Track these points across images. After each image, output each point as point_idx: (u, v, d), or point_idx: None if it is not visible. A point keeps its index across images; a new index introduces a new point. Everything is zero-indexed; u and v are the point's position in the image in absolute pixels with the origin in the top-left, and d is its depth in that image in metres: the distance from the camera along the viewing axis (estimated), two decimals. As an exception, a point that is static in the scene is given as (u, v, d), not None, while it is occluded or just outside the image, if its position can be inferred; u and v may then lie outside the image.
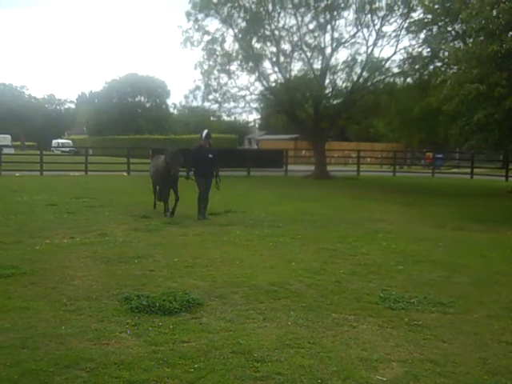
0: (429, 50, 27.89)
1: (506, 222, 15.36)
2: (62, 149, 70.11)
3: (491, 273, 9.20)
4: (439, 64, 26.73)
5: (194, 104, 35.21)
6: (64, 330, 5.94)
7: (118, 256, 9.64)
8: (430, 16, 27.04)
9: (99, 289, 7.52)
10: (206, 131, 15.19)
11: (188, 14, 31.95)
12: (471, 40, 18.48)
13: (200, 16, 31.96)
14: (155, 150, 38.33)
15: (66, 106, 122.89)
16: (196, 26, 32.17)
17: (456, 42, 25.36)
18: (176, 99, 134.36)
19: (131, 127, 79.18)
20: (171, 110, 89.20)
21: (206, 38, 32.32)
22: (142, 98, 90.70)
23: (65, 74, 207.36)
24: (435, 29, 27.25)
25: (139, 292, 7.24)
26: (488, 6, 15.96)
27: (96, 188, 22.91)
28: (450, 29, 26.36)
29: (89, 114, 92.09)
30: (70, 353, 5.33)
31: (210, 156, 14.75)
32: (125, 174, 33.20)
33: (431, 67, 27.86)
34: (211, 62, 32.62)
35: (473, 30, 16.81)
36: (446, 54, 22.87)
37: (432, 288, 8.05)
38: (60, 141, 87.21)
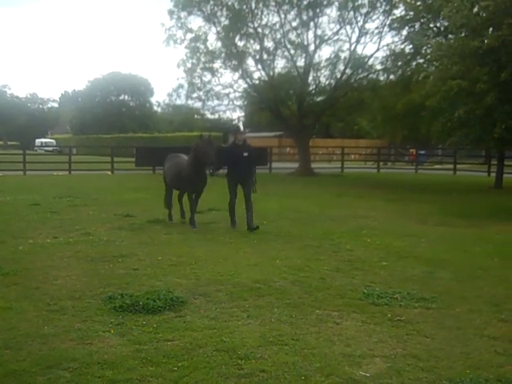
0: (411, 46, 27.98)
1: (489, 217, 15.49)
2: (46, 148, 69.77)
3: (474, 268, 9.27)
4: (421, 60, 26.86)
5: (178, 102, 35.28)
6: (47, 330, 5.91)
7: (102, 255, 9.60)
8: (411, 13, 27.11)
9: (82, 288, 7.49)
10: (240, 124, 13.56)
11: (171, 12, 31.90)
12: (453, 36, 18.63)
13: (183, 14, 31.95)
14: (139, 148, 38.44)
15: (49, 105, 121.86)
16: (179, 24, 32.15)
17: (438, 39, 25.48)
18: (160, 97, 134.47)
19: (115, 126, 78.88)
20: (155, 108, 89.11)
21: (189, 35, 32.34)
22: (126, 97, 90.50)
23: (47, 72, 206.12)
24: (417, 25, 27.35)
25: (123, 291, 7.22)
26: (468, 2, 16.08)
27: (80, 187, 22.81)
28: (431, 25, 26.49)
29: (72, 113, 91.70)
30: (53, 353, 5.31)
31: (246, 155, 12.63)
32: (109, 172, 33.10)
33: (414, 64, 28.00)
34: (194, 60, 32.58)
35: (454, 27, 16.95)
36: (429, 50, 22.97)
37: (415, 283, 8.10)
38: (43, 140, 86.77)
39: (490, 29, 15.57)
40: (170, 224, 13.39)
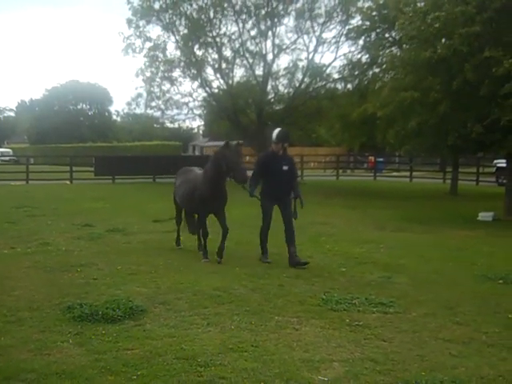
0: (367, 56, 28.52)
1: (444, 223, 15.84)
2: (2, 158, 68.39)
3: (429, 272, 9.50)
4: (377, 70, 27.35)
5: (137, 111, 35.06)
6: (4, 342, 5.83)
7: (61, 265, 9.51)
8: (368, 23, 27.67)
9: (41, 299, 7.40)
10: (279, 130, 10.37)
11: (129, 21, 31.77)
12: (407, 47, 19.03)
13: (141, 23, 31.84)
14: (98, 157, 38.12)
15: (5, 114, 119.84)
16: (137, 33, 32.01)
17: (393, 49, 26.01)
18: (119, 106, 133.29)
19: (74, 135, 77.82)
20: (114, 117, 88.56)
21: (148, 44, 32.23)
22: (84, 106, 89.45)
23: (3, 81, 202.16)
24: (373, 35, 27.90)
25: (82, 301, 7.15)
26: (420, 14, 16.47)
27: (38, 197, 22.45)
28: (387, 35, 27.03)
29: (29, 123, 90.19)
30: (11, 364, 5.24)
31: (286, 168, 10.06)
32: (68, 182, 32.67)
33: (370, 73, 28.49)
34: (153, 69, 32.49)
35: (407, 38, 17.34)
36: (384, 60, 23.41)
37: (373, 289, 8.25)
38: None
39: (443, 39, 15.94)
40: (176, 249, 11.55)
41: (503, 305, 7.49)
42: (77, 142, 71.88)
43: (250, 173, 10.27)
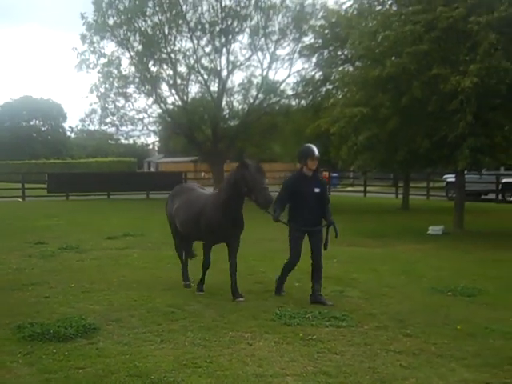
0: (321, 73, 28.94)
1: (396, 237, 16.10)
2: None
3: (381, 286, 9.66)
4: (330, 87, 27.76)
5: (91, 127, 34.71)
6: (-49, 364, 5.72)
7: (11, 284, 9.38)
8: (320, 41, 28.16)
9: (-10, 319, 7.27)
10: (311, 147, 8.78)
11: (83, 37, 31.60)
12: (358, 64, 19.43)
13: (95, 38, 31.69)
14: (51, 174, 37.58)
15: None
16: (92, 49, 31.84)
17: (346, 66, 26.49)
18: (73, 122, 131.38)
19: (26, 152, 76.48)
20: (68, 133, 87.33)
21: (103, 60, 32.07)
22: (37, 122, 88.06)
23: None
24: (326, 53, 28.38)
25: (33, 320, 7.06)
26: (370, 34, 16.87)
27: (-13, 215, 22.00)
28: (339, 53, 27.52)
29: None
30: (-41, 387, 5.15)
31: (317, 191, 8.78)
32: (20, 199, 32.13)
33: (323, 90, 28.89)
34: (108, 85, 32.27)
35: (357, 56, 17.70)
36: (337, 77, 23.81)
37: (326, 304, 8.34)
38: None
39: (393, 57, 16.32)
40: (185, 287, 9.62)
41: (452, 316, 7.67)
42: (29, 158, 70.67)
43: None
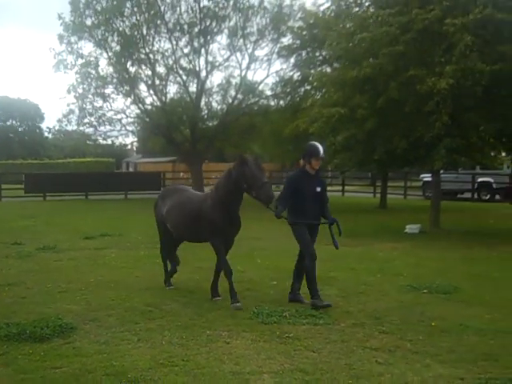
0: (299, 73, 29.06)
1: (374, 236, 16.22)
2: None
3: (358, 284, 9.75)
4: (309, 87, 27.88)
5: (69, 128, 34.42)
6: None
7: (-13, 285, 9.28)
8: (298, 42, 28.31)
9: (-35, 320, 7.21)
10: (316, 147, 8.58)
11: (61, 37, 31.28)
12: (336, 65, 19.55)
13: (73, 39, 31.40)
14: (28, 174, 37.21)
15: None
16: (69, 49, 31.54)
17: (324, 67, 26.65)
18: (51, 123, 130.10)
19: (3, 152, 75.54)
20: (46, 134, 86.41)
21: (80, 61, 31.75)
22: (14, 122, 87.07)
23: None
24: (304, 54, 28.53)
25: (9, 320, 7.03)
26: (346, 36, 17.01)
27: (-38, 216, 21.76)
28: (317, 54, 27.67)
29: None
30: None
31: (319, 190, 8.74)
32: (-4, 200, 31.83)
33: (302, 90, 29.01)
34: (85, 86, 32.00)
35: (334, 57, 17.81)
36: (315, 78, 23.92)
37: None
38: None
39: (370, 59, 16.46)
40: (167, 289, 9.33)
41: (427, 313, 7.77)
42: (6, 158, 69.91)
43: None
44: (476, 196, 31.16)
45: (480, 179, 30.68)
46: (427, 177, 28.23)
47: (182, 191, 9.41)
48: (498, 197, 31.06)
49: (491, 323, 7.30)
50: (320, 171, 8.83)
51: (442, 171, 18.85)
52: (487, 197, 31.01)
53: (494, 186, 30.70)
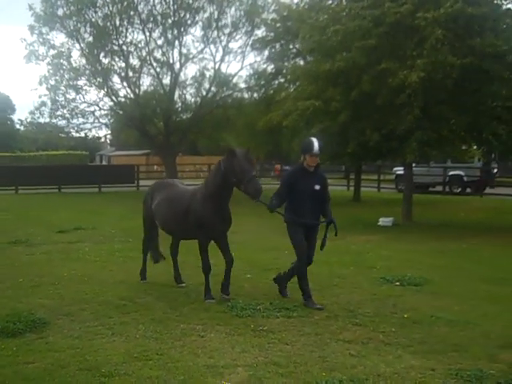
0: (273, 66, 29.10)
1: (348, 229, 16.24)
2: None
3: (332, 277, 9.84)
4: (283, 80, 27.93)
5: (42, 120, 33.96)
6: None
7: (-43, 281, 9.17)
8: (272, 34, 28.30)
9: None
10: (316, 139, 8.21)
11: (32, 28, 30.80)
12: (310, 58, 19.59)
13: (44, 29, 30.92)
14: (0, 167, 36.74)
15: None
16: (41, 40, 31.06)
17: (297, 59, 26.70)
18: (23, 115, 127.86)
19: (-28, 145, 74.46)
20: (17, 126, 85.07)
21: (52, 52, 31.31)
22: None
23: None
24: (278, 46, 28.54)
25: (-20, 316, 6.96)
26: (319, 29, 17.05)
27: None
28: (291, 47, 27.71)
29: None
30: None
31: (317, 188, 8.25)
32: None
33: (275, 83, 29.05)
34: (58, 77, 31.59)
35: (307, 50, 17.86)
36: (289, 70, 23.98)
37: (278, 294, 8.45)
38: None
39: (343, 52, 16.54)
40: (141, 283, 9.33)
41: (399, 305, 7.89)
42: (-24, 151, 68.85)
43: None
44: (447, 189, 31.52)
45: (451, 172, 31.05)
46: (400, 170, 28.49)
47: (171, 186, 9.18)
48: (468, 190, 31.49)
49: (461, 314, 7.43)
50: (319, 168, 8.38)
51: (414, 164, 19.04)
52: (458, 190, 31.43)
53: (465, 179, 31.13)
